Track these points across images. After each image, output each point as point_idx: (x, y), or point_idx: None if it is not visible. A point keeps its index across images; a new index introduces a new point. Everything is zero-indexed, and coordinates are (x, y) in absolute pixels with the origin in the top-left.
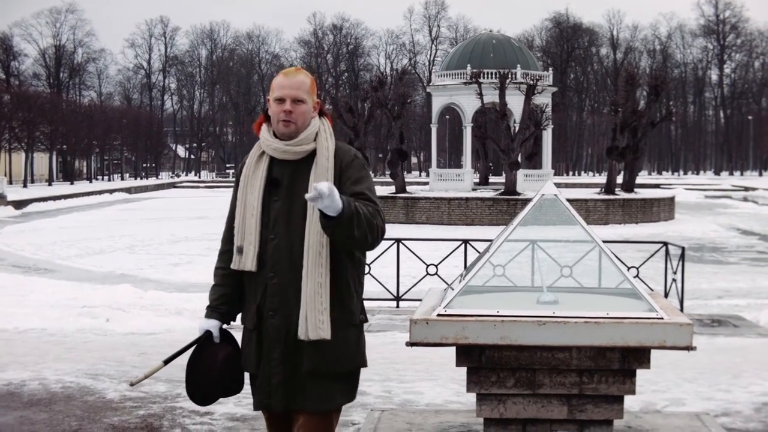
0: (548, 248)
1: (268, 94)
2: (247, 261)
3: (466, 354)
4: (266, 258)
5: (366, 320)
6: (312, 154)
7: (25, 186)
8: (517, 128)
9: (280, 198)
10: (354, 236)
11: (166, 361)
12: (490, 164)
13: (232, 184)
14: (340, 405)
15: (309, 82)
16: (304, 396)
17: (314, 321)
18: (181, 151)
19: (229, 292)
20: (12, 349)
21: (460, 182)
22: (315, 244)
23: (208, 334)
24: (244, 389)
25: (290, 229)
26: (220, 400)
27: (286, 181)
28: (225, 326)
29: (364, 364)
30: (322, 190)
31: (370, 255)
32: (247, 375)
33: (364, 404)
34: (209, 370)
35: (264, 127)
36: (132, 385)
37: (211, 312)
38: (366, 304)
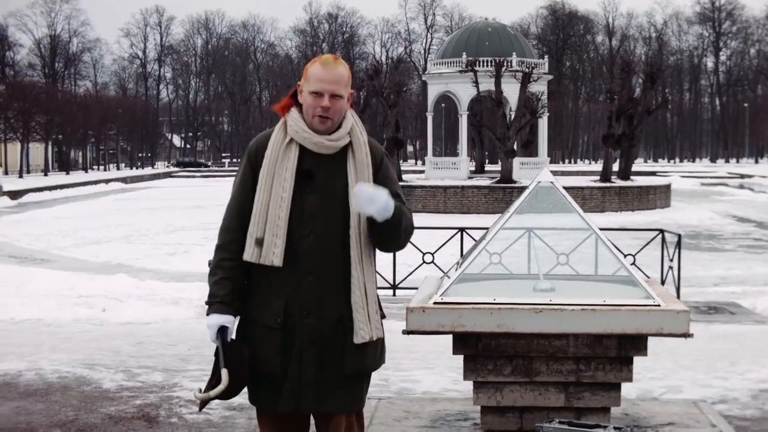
0: (544, 236)
1: (299, 81)
2: (270, 255)
3: (463, 342)
4: (299, 254)
5: (384, 316)
6: (344, 147)
7: (20, 176)
8: (512, 116)
9: (315, 192)
10: (398, 240)
11: (226, 366)
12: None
13: (235, 170)
14: (365, 399)
15: (347, 75)
16: (336, 398)
17: (374, 322)
18: (176, 140)
19: (239, 286)
20: (8, 340)
21: (456, 170)
22: (366, 242)
23: (224, 329)
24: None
25: (328, 225)
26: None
27: (322, 175)
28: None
29: (384, 361)
30: (378, 198)
31: None
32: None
33: None
34: (238, 370)
35: (295, 113)
36: (207, 399)
37: (226, 307)
38: None
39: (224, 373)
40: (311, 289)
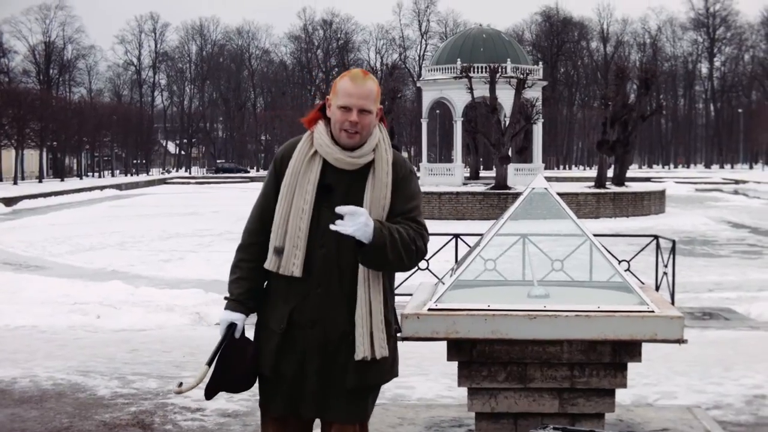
0: (539, 242)
1: (328, 95)
2: (291, 266)
3: (458, 348)
4: (311, 266)
5: (400, 330)
6: (369, 163)
7: (15, 183)
8: (507, 122)
9: (331, 206)
10: (388, 261)
11: (210, 363)
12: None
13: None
14: (371, 412)
15: (376, 90)
16: (338, 408)
17: (378, 341)
18: (171, 147)
19: (255, 287)
20: (3, 347)
21: (450, 177)
22: None
23: (233, 326)
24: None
25: (340, 240)
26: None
27: (342, 189)
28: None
29: (397, 374)
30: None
31: None
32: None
33: None
34: (238, 365)
35: (321, 126)
36: (179, 393)
37: (238, 305)
38: None
39: (203, 368)
40: (318, 301)
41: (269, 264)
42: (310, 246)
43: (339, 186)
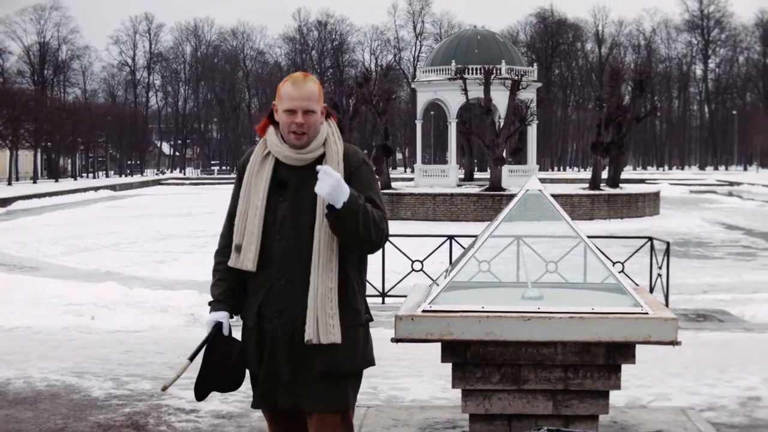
0: (533, 244)
1: (274, 99)
2: (245, 260)
3: (452, 350)
4: (272, 258)
5: (371, 319)
6: (320, 157)
7: (9, 184)
8: (501, 124)
9: (286, 200)
10: (358, 232)
11: (191, 358)
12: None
13: (233, 180)
14: (353, 404)
15: (318, 90)
16: (314, 397)
17: (324, 325)
18: (165, 148)
19: (234, 285)
20: None
21: (445, 178)
22: (325, 248)
23: (219, 325)
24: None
25: (297, 231)
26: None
27: (294, 183)
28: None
29: (372, 363)
30: (328, 171)
31: None
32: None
33: None
34: (224, 364)
35: (271, 130)
36: (164, 389)
37: (220, 305)
38: None
39: (185, 362)
40: (281, 292)
41: (231, 261)
42: (269, 239)
43: (291, 180)
